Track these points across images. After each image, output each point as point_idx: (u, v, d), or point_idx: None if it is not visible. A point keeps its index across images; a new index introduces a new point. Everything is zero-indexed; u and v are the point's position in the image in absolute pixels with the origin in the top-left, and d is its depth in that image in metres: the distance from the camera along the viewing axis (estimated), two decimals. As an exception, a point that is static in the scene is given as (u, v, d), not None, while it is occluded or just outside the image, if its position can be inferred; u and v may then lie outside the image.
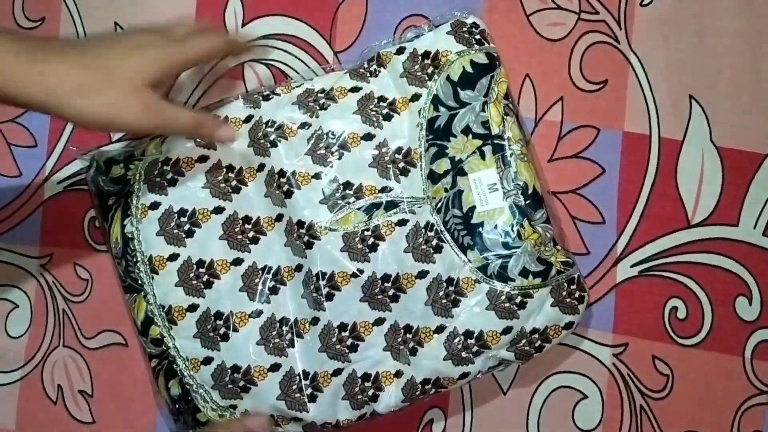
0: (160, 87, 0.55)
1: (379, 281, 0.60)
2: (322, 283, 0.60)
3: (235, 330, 0.60)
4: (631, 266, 0.64)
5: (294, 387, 0.60)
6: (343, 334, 0.60)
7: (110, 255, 0.64)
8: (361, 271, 0.60)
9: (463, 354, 0.60)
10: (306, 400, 0.60)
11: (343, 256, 0.60)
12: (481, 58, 0.62)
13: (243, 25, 0.67)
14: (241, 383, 0.60)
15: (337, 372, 0.60)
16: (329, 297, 0.60)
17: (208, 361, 0.60)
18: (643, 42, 0.65)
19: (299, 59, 0.67)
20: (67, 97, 0.50)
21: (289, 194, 0.61)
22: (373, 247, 0.60)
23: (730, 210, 0.63)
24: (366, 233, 0.60)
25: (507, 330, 0.59)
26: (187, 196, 0.62)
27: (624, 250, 0.64)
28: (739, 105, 0.64)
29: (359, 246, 0.60)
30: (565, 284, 0.60)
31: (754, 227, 0.63)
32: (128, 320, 0.66)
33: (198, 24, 0.64)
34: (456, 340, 0.60)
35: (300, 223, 0.60)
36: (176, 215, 0.61)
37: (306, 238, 0.60)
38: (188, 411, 0.61)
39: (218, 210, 0.61)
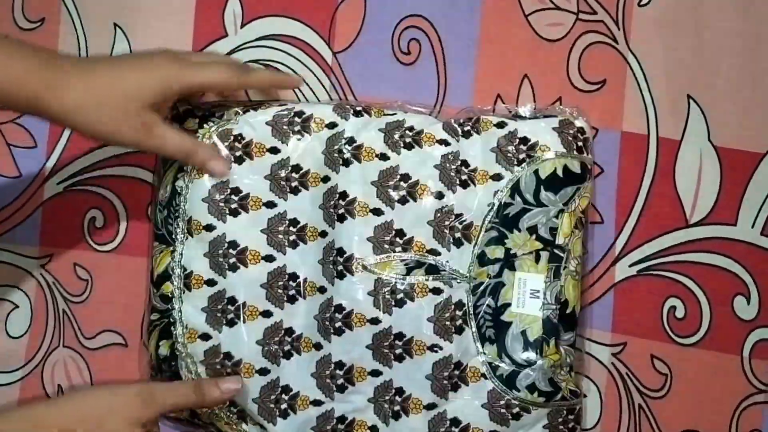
0: (164, 105, 0.58)
1: (392, 336, 0.60)
2: (338, 315, 0.60)
3: (242, 321, 0.60)
4: (630, 266, 0.64)
5: (272, 396, 0.60)
6: (338, 371, 0.60)
7: (153, 200, 0.63)
8: (379, 321, 0.60)
9: None
10: (277, 413, 0.60)
11: (367, 300, 0.60)
12: (575, 167, 0.61)
13: (242, 25, 0.67)
14: (228, 371, 0.60)
15: (317, 403, 0.60)
16: (339, 332, 0.60)
17: (205, 337, 0.60)
18: (642, 42, 0.65)
19: (298, 60, 0.67)
20: (77, 112, 0.53)
21: (342, 219, 0.60)
22: (400, 303, 0.60)
23: (728, 209, 0.64)
24: (398, 287, 0.60)
25: None
26: (249, 178, 0.61)
27: (622, 250, 0.64)
28: (738, 105, 0.64)
29: (387, 296, 0.60)
30: (564, 412, 0.60)
31: (752, 226, 0.63)
32: (128, 321, 0.67)
33: (222, 56, 0.64)
34: (441, 423, 0.60)
35: (340, 251, 0.60)
36: (229, 191, 0.61)
37: (340, 268, 0.60)
38: (168, 374, 0.61)
39: (271, 204, 0.61)
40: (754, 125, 0.64)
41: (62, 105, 0.53)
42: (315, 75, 0.67)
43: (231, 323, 0.60)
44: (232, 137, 0.61)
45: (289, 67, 0.67)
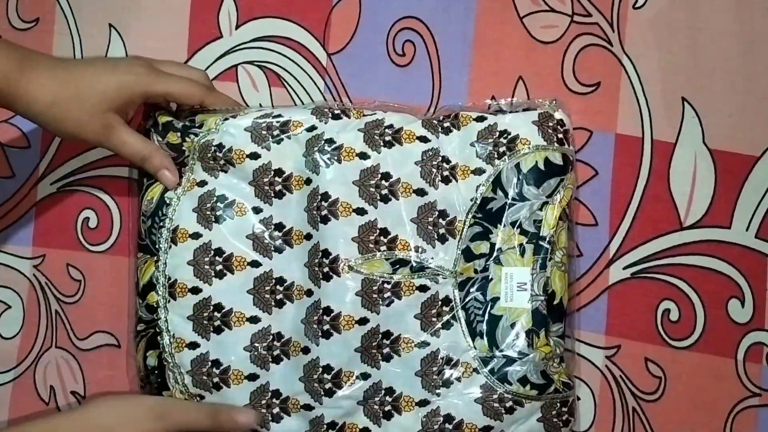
0: (128, 109, 0.60)
1: (380, 335, 0.59)
2: (326, 318, 0.59)
3: (229, 327, 0.60)
4: (624, 268, 0.64)
5: (263, 402, 0.60)
6: (325, 376, 0.59)
7: (138, 208, 0.64)
8: (367, 321, 0.59)
9: None
10: (270, 418, 0.60)
11: (355, 301, 0.59)
12: (557, 159, 0.61)
13: (237, 27, 0.67)
14: (216, 379, 0.60)
15: (307, 407, 0.60)
16: (327, 335, 0.59)
17: (193, 345, 0.60)
18: (636, 44, 0.65)
19: (293, 61, 0.67)
20: (43, 108, 0.56)
21: (326, 220, 0.60)
22: (387, 302, 0.60)
23: (722, 212, 0.63)
24: (385, 286, 0.60)
25: (487, 429, 0.59)
26: (234, 186, 0.62)
27: (616, 252, 0.64)
28: (732, 107, 0.64)
29: (374, 296, 0.59)
30: (558, 404, 0.59)
31: (747, 229, 0.63)
32: (121, 322, 0.66)
33: (191, 68, 0.65)
34: (434, 420, 0.59)
35: (326, 253, 0.60)
36: (215, 198, 0.61)
37: (326, 269, 0.60)
38: (156, 384, 0.61)
39: (256, 210, 0.61)
40: (749, 128, 0.64)
41: (29, 98, 0.55)
42: (310, 76, 0.67)
43: (218, 330, 0.60)
44: (213, 147, 0.61)
45: (284, 69, 0.67)
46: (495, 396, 0.59)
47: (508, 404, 0.59)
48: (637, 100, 0.64)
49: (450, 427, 0.59)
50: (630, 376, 0.63)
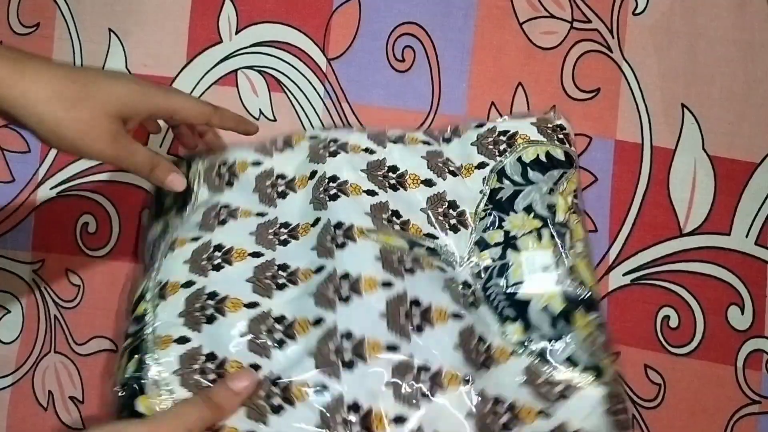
0: (130, 121, 0.54)
1: (408, 302, 0.52)
2: (344, 284, 0.53)
3: (223, 314, 0.53)
4: (624, 275, 0.64)
5: (262, 393, 0.51)
6: (346, 344, 0.51)
7: (144, 237, 0.64)
8: (392, 284, 0.53)
9: (488, 421, 0.50)
10: (269, 409, 0.50)
11: (376, 264, 0.53)
12: (559, 154, 0.60)
13: (237, 32, 0.67)
14: (211, 376, 0.52)
15: (322, 388, 0.50)
16: (346, 300, 0.52)
17: (183, 340, 0.53)
18: (636, 51, 0.65)
19: (293, 66, 0.67)
20: (42, 105, 0.48)
21: (335, 197, 0.58)
22: (411, 270, 0.54)
23: (722, 219, 0.63)
24: (405, 257, 0.55)
25: (545, 414, 0.51)
26: (238, 197, 0.61)
27: (616, 259, 0.64)
28: (732, 113, 0.64)
29: (395, 264, 0.54)
30: (615, 399, 0.53)
31: (746, 236, 0.63)
32: (119, 327, 0.66)
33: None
34: (482, 401, 0.51)
35: (338, 224, 0.56)
36: (219, 206, 0.60)
37: (341, 240, 0.55)
38: (129, 394, 0.51)
39: (261, 214, 0.60)
40: (749, 134, 0.64)
41: (28, 102, 0.48)
42: (309, 82, 0.67)
43: (211, 319, 0.53)
44: (217, 165, 0.62)
45: (284, 74, 0.67)
46: (542, 379, 0.53)
47: (558, 389, 0.52)
48: (637, 106, 0.64)
49: (503, 409, 0.51)
50: (629, 383, 0.63)
